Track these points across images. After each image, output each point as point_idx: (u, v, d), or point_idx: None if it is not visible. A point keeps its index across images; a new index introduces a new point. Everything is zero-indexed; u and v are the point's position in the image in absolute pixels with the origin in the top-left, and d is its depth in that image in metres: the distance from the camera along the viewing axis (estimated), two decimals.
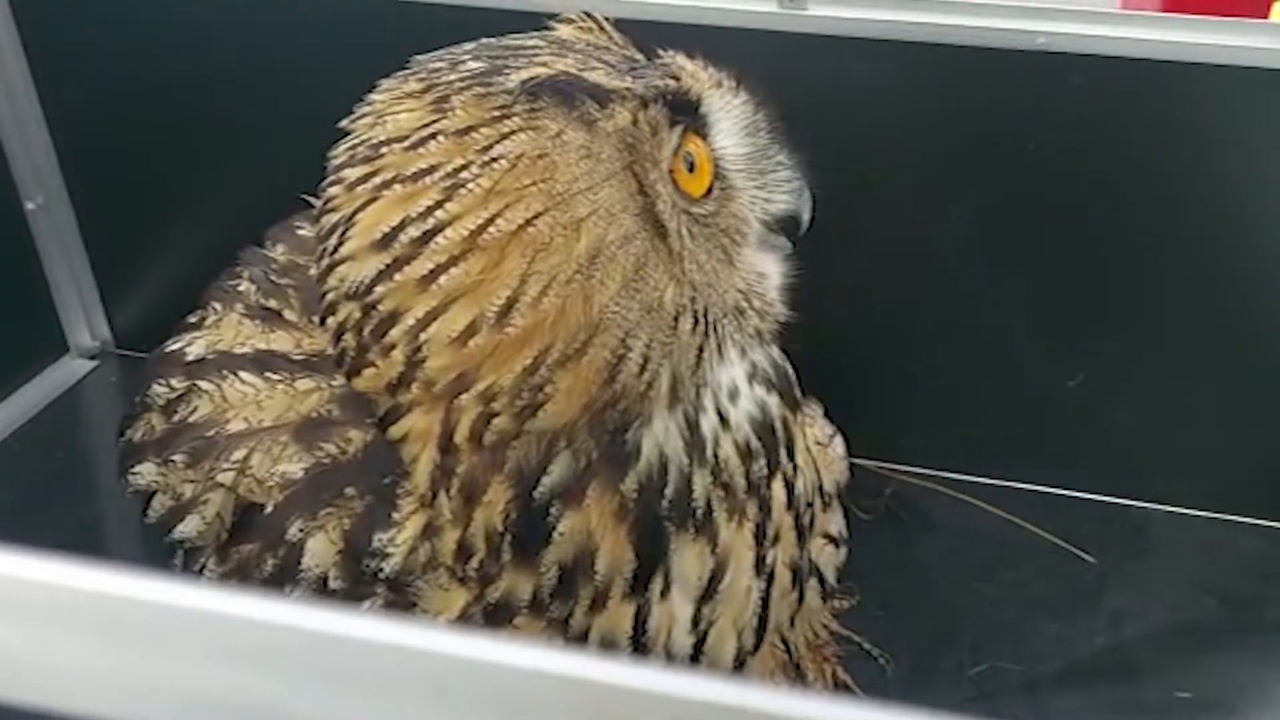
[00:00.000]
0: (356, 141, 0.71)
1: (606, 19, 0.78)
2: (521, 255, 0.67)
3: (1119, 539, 1.32)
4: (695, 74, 0.76)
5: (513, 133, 0.67)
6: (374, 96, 0.73)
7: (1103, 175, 1.20)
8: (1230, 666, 1.18)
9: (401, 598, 0.73)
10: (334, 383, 0.77)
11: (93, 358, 1.63)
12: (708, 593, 0.76)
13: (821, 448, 0.91)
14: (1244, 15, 1.15)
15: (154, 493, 0.82)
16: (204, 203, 1.49)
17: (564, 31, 0.77)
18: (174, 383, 0.84)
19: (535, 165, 0.67)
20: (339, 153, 0.72)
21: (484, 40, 0.76)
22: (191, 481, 0.79)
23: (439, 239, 0.67)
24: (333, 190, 0.71)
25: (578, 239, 0.68)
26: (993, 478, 1.38)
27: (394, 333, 0.69)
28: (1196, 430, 1.30)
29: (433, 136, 0.68)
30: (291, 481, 0.75)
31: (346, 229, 0.69)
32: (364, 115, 0.72)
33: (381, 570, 0.72)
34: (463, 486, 0.71)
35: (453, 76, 0.70)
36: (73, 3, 1.39)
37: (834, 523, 0.92)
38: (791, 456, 0.81)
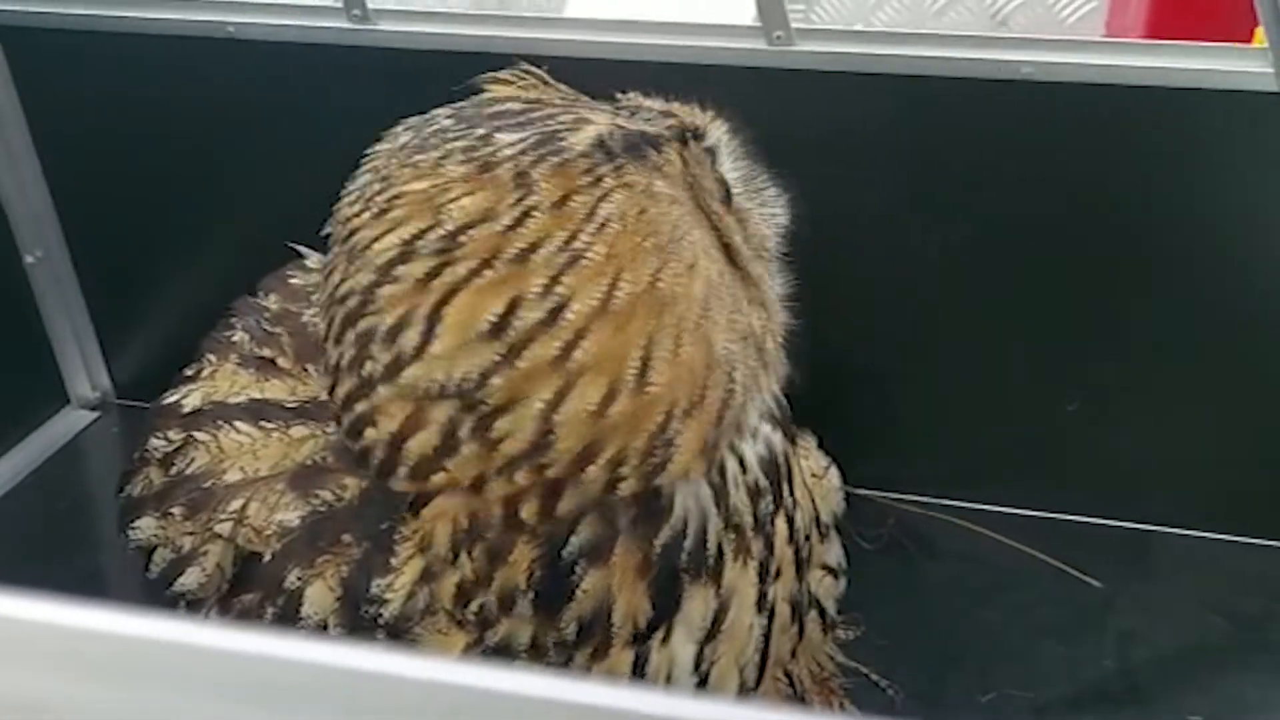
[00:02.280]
0: (407, 236, 0.66)
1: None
2: (649, 313, 0.65)
3: (1123, 562, 1.31)
4: (688, 110, 0.78)
5: (608, 194, 0.66)
6: (381, 192, 0.69)
7: (1091, 201, 1.21)
8: (1240, 687, 1.18)
9: (401, 643, 0.73)
10: (328, 430, 0.77)
11: (93, 409, 1.64)
12: (710, 633, 0.76)
13: (817, 479, 0.91)
14: (1227, 40, 1.16)
15: (155, 547, 0.82)
16: (201, 253, 1.50)
17: (507, 91, 0.76)
18: (171, 435, 0.85)
19: (640, 222, 0.67)
20: (382, 255, 0.67)
21: (455, 111, 0.73)
22: (190, 534, 0.79)
23: (566, 315, 0.64)
24: (388, 291, 0.66)
25: (692, 284, 0.67)
26: (995, 504, 1.38)
27: (504, 424, 0.65)
28: (1198, 451, 1.30)
29: (527, 214, 0.65)
30: (288, 530, 0.75)
31: (430, 328, 0.65)
32: (386, 211, 0.68)
33: (380, 616, 0.72)
34: (489, 549, 0.70)
35: (504, 150, 0.67)
36: (70, 59, 1.40)
37: (832, 554, 0.92)
38: (791, 491, 0.81)
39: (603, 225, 0.66)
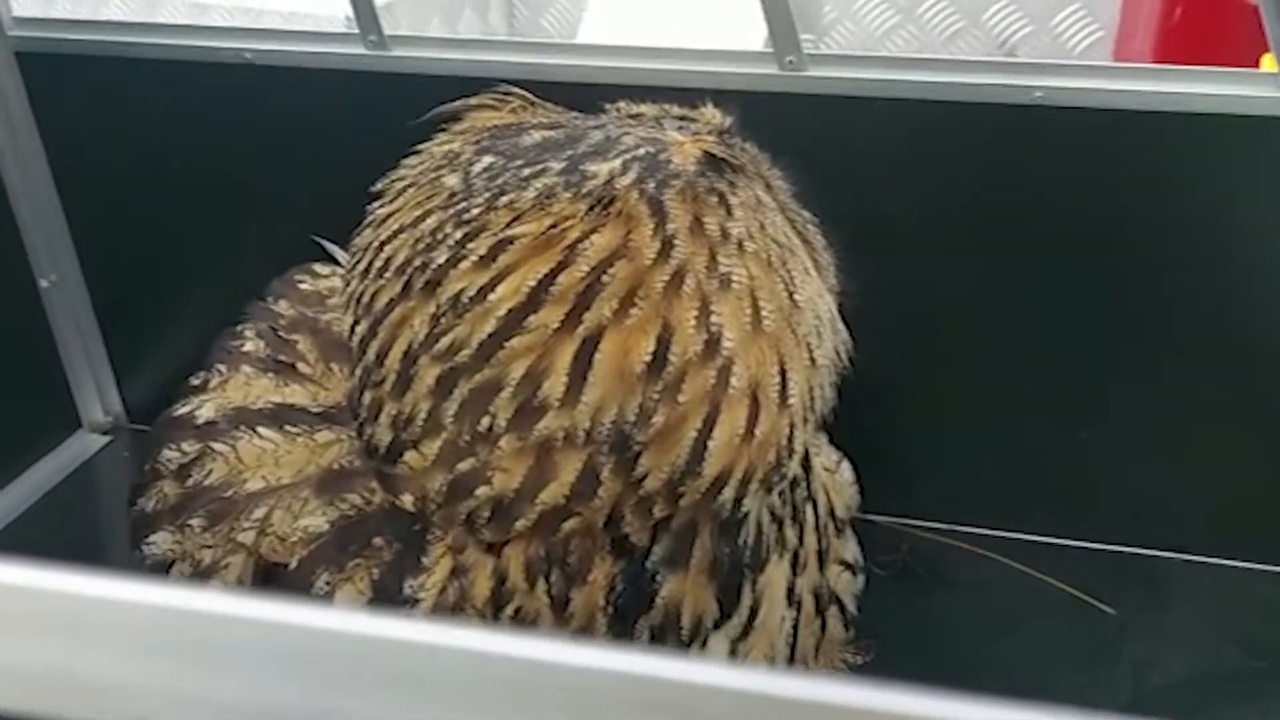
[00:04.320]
0: (533, 282, 0.63)
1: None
2: (788, 327, 0.65)
3: (1137, 589, 1.30)
4: (699, 112, 0.78)
5: (731, 211, 0.65)
6: (469, 238, 0.65)
7: (1104, 225, 1.21)
8: (1256, 717, 1.16)
9: None
10: (353, 434, 0.77)
11: (105, 433, 1.64)
12: (746, 629, 0.76)
13: (830, 473, 0.90)
14: (1235, 66, 1.16)
15: (172, 562, 0.81)
16: (215, 277, 1.50)
17: (499, 116, 0.76)
18: (185, 447, 0.84)
19: (765, 235, 0.66)
20: (503, 304, 0.63)
21: (480, 146, 0.71)
22: (210, 546, 0.79)
23: (724, 343, 0.62)
24: (519, 342, 0.63)
25: (806, 288, 0.67)
26: (1007, 530, 1.37)
27: (651, 460, 0.63)
28: (1212, 477, 1.30)
29: (669, 244, 0.63)
30: (317, 536, 0.74)
31: (579, 374, 0.62)
32: (490, 258, 0.64)
33: (412, 616, 0.72)
34: (566, 572, 0.69)
35: (619, 181, 0.65)
36: (87, 85, 1.42)
37: (849, 549, 0.92)
38: (811, 480, 0.81)
39: (740, 245, 0.64)
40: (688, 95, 1.22)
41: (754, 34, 1.76)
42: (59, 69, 1.41)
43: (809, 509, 0.80)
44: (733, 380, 0.63)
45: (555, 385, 0.63)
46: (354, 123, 1.32)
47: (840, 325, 0.72)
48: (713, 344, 0.63)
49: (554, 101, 0.84)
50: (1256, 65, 1.42)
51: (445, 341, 0.66)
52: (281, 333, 0.89)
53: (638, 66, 1.22)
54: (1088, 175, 1.19)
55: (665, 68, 1.22)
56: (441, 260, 0.67)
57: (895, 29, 2.07)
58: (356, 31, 1.29)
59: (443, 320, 0.66)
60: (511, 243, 0.65)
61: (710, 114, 0.77)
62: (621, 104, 0.79)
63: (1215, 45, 1.67)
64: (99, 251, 1.54)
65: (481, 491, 0.66)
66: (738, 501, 0.66)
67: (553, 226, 0.64)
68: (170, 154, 1.42)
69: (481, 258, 0.65)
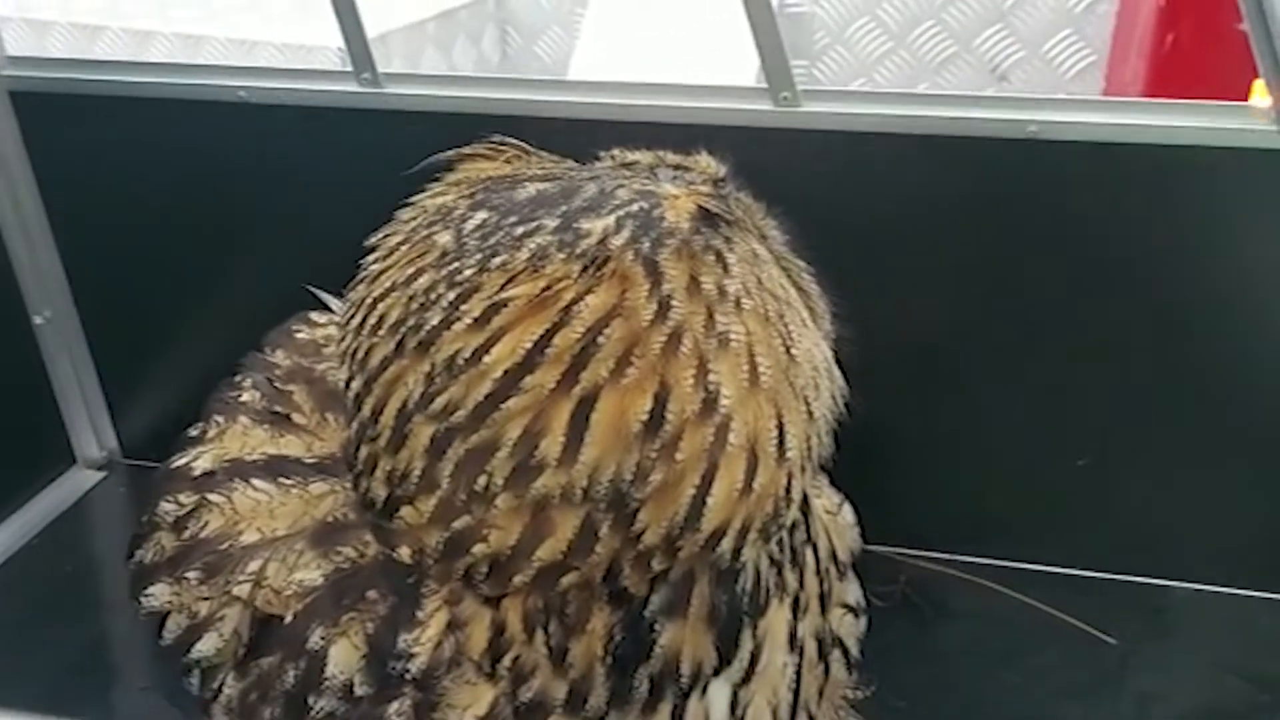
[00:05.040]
0: (528, 344, 0.63)
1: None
2: (785, 382, 0.65)
3: (1139, 619, 1.30)
4: (694, 160, 0.78)
5: (728, 268, 0.65)
6: (462, 299, 0.65)
7: (1099, 257, 1.22)
8: None
9: (428, 696, 0.71)
10: (348, 485, 0.76)
11: (100, 469, 1.63)
12: (747, 675, 0.75)
13: (831, 516, 0.90)
14: (1224, 92, 1.17)
15: (168, 614, 0.81)
16: (209, 313, 1.50)
17: (493, 166, 0.75)
18: (182, 498, 0.83)
19: (762, 290, 0.66)
20: (498, 366, 0.63)
21: (473, 200, 0.71)
22: (206, 599, 0.78)
23: (721, 401, 0.62)
24: (514, 403, 0.63)
25: (803, 340, 0.67)
26: (1007, 559, 1.37)
27: (649, 515, 0.63)
28: (1211, 506, 1.30)
29: (666, 304, 0.63)
30: (311, 589, 0.74)
31: (575, 434, 0.62)
32: (485, 320, 0.64)
33: (408, 671, 0.71)
34: (564, 623, 0.69)
35: (612, 240, 0.64)
36: (82, 122, 1.42)
37: (850, 592, 0.91)
38: (811, 524, 0.81)
39: (737, 302, 0.64)
40: (682, 131, 1.22)
41: (746, 60, 1.77)
42: (53, 108, 1.42)
43: (809, 552, 0.79)
44: (731, 437, 0.63)
45: (552, 445, 0.63)
46: (348, 159, 1.32)
47: (837, 373, 0.72)
48: (710, 402, 0.63)
49: (547, 138, 0.84)
50: (1247, 91, 1.42)
51: (440, 402, 0.65)
52: (278, 383, 0.89)
53: (633, 103, 1.22)
54: (1083, 208, 1.20)
55: (659, 103, 1.22)
56: (435, 321, 0.66)
57: (887, 55, 2.08)
58: (350, 69, 1.30)
59: (437, 380, 0.66)
60: (506, 305, 0.64)
61: (705, 162, 0.77)
62: (616, 152, 0.78)
63: (1206, 71, 1.68)
64: (93, 288, 1.54)
65: (478, 549, 0.66)
66: (736, 552, 0.66)
67: (547, 288, 0.64)
68: (164, 191, 1.42)
69: (476, 320, 0.65)
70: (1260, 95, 1.17)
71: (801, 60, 2.11)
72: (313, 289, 0.98)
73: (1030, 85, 2.06)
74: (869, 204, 1.22)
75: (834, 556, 0.86)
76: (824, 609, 0.83)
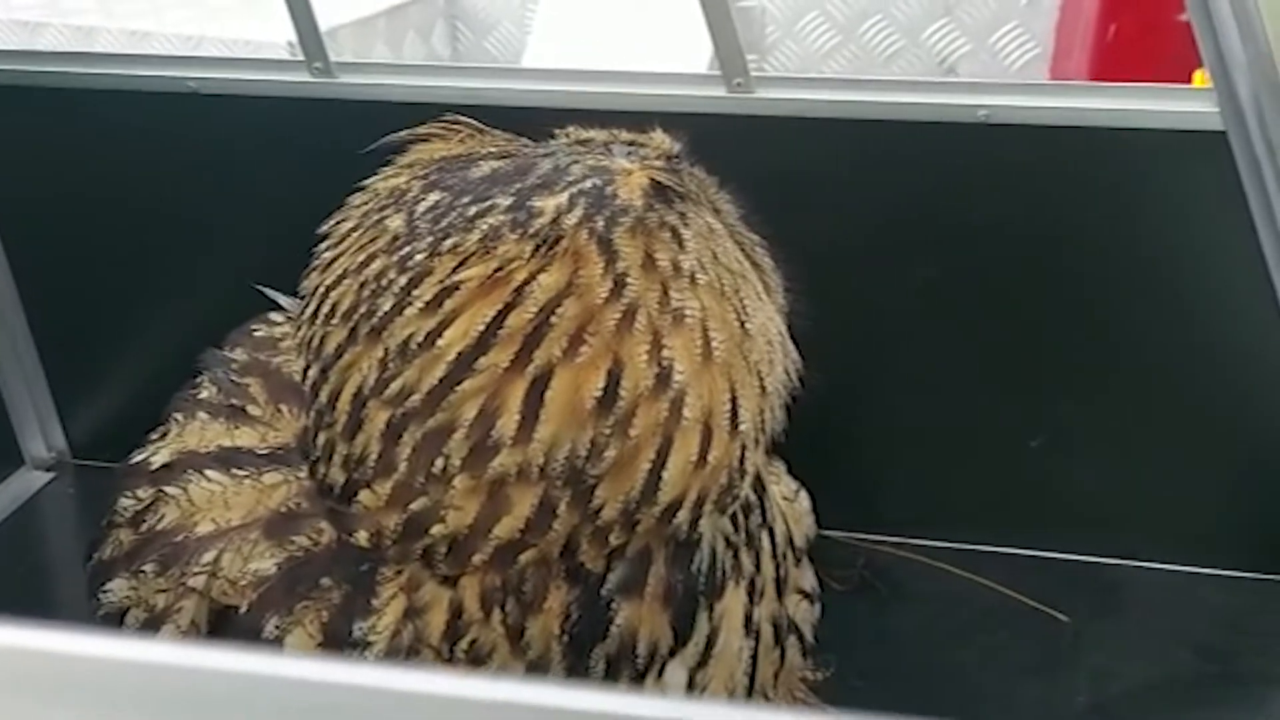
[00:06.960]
0: (481, 326, 0.64)
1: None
2: (739, 355, 0.65)
3: (1092, 597, 1.32)
4: (646, 136, 0.79)
5: (683, 243, 0.65)
6: (414, 284, 0.65)
7: (1048, 238, 1.24)
8: (1210, 718, 1.18)
9: None
10: (301, 475, 0.76)
11: (49, 469, 1.60)
12: (703, 659, 0.76)
13: (788, 503, 0.91)
14: (1168, 81, 1.19)
15: (127, 609, 0.80)
16: (158, 309, 1.48)
17: (447, 146, 0.75)
18: (139, 493, 0.83)
19: (717, 264, 0.67)
20: (451, 349, 0.64)
21: (426, 182, 0.71)
22: (163, 590, 0.78)
23: (675, 377, 0.63)
24: (469, 385, 0.63)
25: (758, 314, 0.68)
26: (963, 542, 1.38)
27: (607, 491, 0.64)
28: (1160, 485, 1.32)
29: (621, 281, 0.63)
30: (264, 579, 0.74)
31: (530, 412, 0.62)
32: (436, 303, 0.64)
33: (365, 659, 0.71)
34: (521, 601, 0.69)
35: (565, 220, 0.65)
36: (27, 116, 1.39)
37: (806, 578, 0.93)
38: (767, 508, 0.82)
39: (692, 278, 0.65)
40: (636, 119, 1.23)
41: (699, 55, 1.78)
42: None
43: (765, 536, 0.80)
44: (685, 411, 0.64)
45: (508, 424, 0.63)
46: (301, 149, 1.31)
47: (790, 346, 0.73)
48: (664, 377, 0.63)
49: (501, 127, 0.84)
50: (1188, 81, 1.45)
51: (395, 387, 0.66)
52: (234, 377, 0.89)
53: (587, 90, 1.22)
54: (1031, 191, 1.21)
55: (614, 90, 1.22)
56: (387, 307, 0.67)
57: (837, 49, 2.10)
58: (302, 59, 1.29)
59: (391, 365, 0.66)
60: (458, 288, 0.65)
61: (659, 139, 0.78)
62: (571, 129, 0.79)
63: (1148, 62, 1.71)
64: (39, 286, 1.51)
65: (436, 530, 0.67)
66: (693, 524, 0.67)
67: (499, 269, 0.65)
68: (113, 185, 1.40)
69: (428, 304, 0.65)
70: (1201, 84, 1.20)
71: (752, 55, 2.12)
72: (263, 288, 0.97)
73: (977, 78, 2.09)
74: (821, 189, 1.23)
75: (790, 542, 0.87)
76: (780, 594, 0.84)
